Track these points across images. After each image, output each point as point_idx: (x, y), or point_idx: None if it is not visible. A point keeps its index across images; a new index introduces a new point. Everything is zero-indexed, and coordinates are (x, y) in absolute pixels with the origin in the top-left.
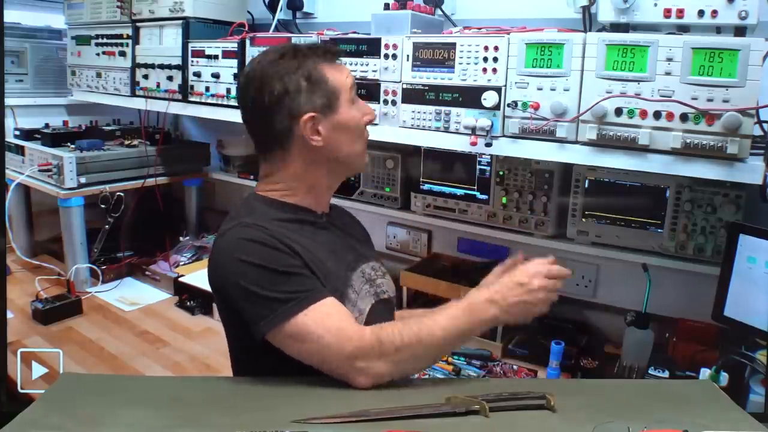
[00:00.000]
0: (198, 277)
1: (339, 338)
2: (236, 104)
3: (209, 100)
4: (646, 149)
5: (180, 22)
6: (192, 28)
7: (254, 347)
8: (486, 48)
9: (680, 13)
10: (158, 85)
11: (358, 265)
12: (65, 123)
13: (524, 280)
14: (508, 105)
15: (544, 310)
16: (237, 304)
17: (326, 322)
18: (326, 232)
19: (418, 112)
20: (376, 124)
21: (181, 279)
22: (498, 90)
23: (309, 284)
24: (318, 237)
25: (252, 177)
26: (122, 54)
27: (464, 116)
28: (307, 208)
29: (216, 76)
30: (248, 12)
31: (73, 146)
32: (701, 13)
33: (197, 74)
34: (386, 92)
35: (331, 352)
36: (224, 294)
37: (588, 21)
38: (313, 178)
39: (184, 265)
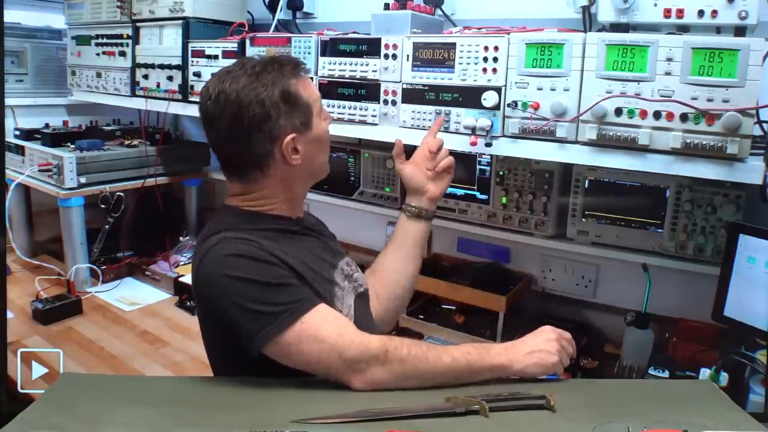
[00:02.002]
0: None
1: (340, 342)
2: None
3: None
4: (646, 149)
5: (180, 22)
6: (192, 28)
7: (241, 363)
8: (486, 48)
9: (680, 13)
10: (158, 85)
11: (337, 263)
12: (65, 123)
13: (541, 332)
14: (508, 105)
15: (559, 369)
16: (230, 321)
17: (325, 327)
18: (304, 237)
19: (418, 112)
20: (376, 124)
21: (181, 279)
22: (498, 90)
23: (300, 293)
24: (299, 243)
25: None
26: (122, 54)
27: (464, 116)
28: (284, 216)
29: None
30: (248, 12)
31: (73, 146)
32: (701, 13)
33: (197, 74)
34: (386, 92)
35: (332, 356)
36: (213, 311)
37: (588, 21)
38: (290, 191)
39: (184, 265)
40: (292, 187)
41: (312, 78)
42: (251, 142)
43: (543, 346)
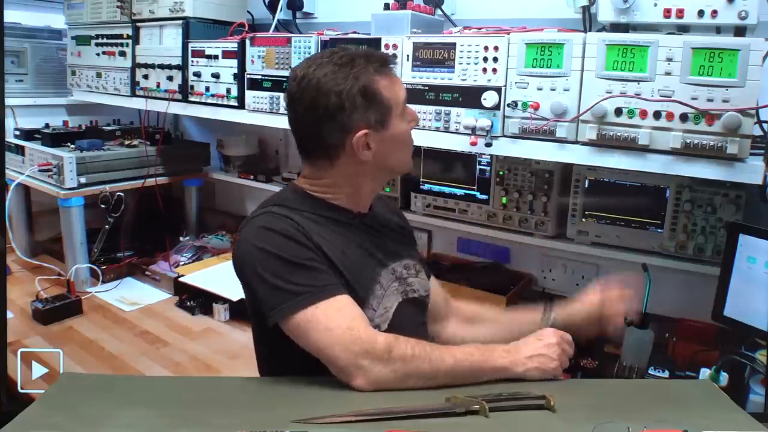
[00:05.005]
0: (198, 277)
1: (348, 335)
2: (236, 104)
3: (209, 100)
4: (646, 149)
5: (180, 22)
6: (192, 28)
7: (268, 331)
8: (486, 48)
9: (680, 13)
10: (158, 85)
11: (388, 263)
12: (65, 123)
13: (543, 335)
14: (508, 105)
15: (559, 371)
16: (252, 290)
17: (337, 317)
18: (358, 231)
19: (418, 112)
20: None
21: (181, 279)
22: (498, 90)
23: (325, 279)
24: (348, 235)
25: (252, 177)
26: (122, 54)
27: (464, 116)
28: (343, 207)
29: (216, 76)
30: (248, 12)
31: (73, 146)
32: (701, 13)
33: (197, 74)
34: None
35: (337, 347)
36: (241, 278)
37: (588, 21)
38: (356, 185)
39: (184, 265)
40: (358, 181)
41: None
42: (323, 130)
43: (544, 350)
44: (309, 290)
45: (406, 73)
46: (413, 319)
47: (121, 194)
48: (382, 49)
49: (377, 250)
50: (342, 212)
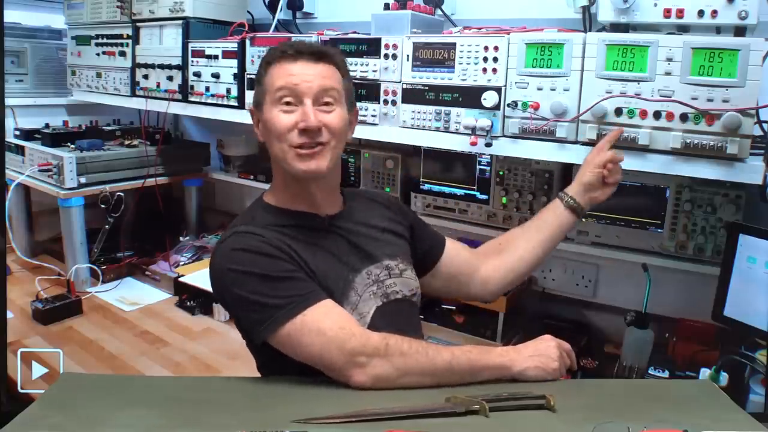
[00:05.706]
0: (198, 277)
1: (341, 334)
2: (236, 104)
3: (209, 100)
4: (646, 149)
5: (180, 22)
6: (192, 28)
7: (266, 350)
8: (486, 48)
9: (680, 13)
10: (158, 85)
11: (363, 267)
12: (65, 123)
13: (542, 339)
14: (508, 105)
15: (557, 373)
16: (235, 312)
17: (326, 320)
18: (329, 235)
19: (418, 112)
20: (376, 124)
21: (181, 279)
22: (498, 90)
23: (306, 287)
24: (318, 241)
25: (252, 177)
26: (122, 54)
27: (464, 116)
28: (307, 212)
29: (216, 76)
30: (248, 12)
31: (73, 146)
32: (701, 13)
33: (197, 74)
34: (386, 92)
35: (332, 348)
36: (222, 302)
37: (588, 21)
38: (284, 183)
39: (184, 265)
40: (276, 171)
41: None
42: None
43: (544, 351)
44: (292, 300)
45: (406, 73)
46: (397, 320)
47: (121, 194)
48: (383, 49)
49: (350, 254)
50: (308, 218)
